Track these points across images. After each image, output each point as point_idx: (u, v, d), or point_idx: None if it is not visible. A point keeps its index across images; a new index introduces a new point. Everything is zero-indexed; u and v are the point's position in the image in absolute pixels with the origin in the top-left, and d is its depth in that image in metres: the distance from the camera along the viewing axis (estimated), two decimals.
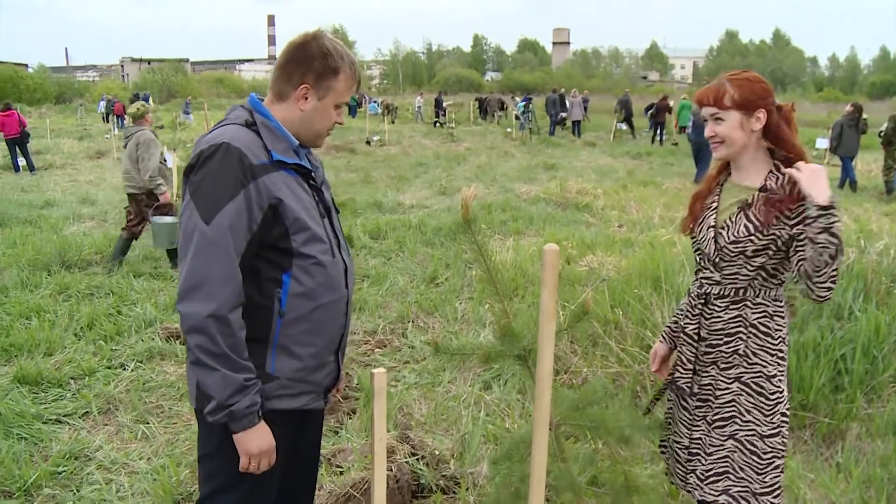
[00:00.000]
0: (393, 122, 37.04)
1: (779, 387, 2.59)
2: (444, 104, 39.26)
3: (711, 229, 2.66)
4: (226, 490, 2.28)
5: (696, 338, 2.70)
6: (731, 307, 2.60)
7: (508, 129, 30.22)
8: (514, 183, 15.71)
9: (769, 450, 2.61)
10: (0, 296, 7.24)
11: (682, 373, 2.78)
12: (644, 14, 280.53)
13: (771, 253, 2.49)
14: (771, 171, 2.54)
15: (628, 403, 4.58)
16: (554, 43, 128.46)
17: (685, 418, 2.79)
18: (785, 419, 2.62)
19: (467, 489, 3.79)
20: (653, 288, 5.89)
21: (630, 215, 11.50)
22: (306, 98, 2.27)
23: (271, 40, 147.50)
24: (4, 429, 4.51)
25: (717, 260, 2.61)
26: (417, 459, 3.87)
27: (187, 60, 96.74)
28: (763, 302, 2.56)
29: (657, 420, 3.12)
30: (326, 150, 22.61)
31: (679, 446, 2.82)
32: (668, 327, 3.00)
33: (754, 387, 2.59)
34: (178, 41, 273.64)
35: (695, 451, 2.74)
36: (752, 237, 2.51)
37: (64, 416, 4.79)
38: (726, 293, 2.60)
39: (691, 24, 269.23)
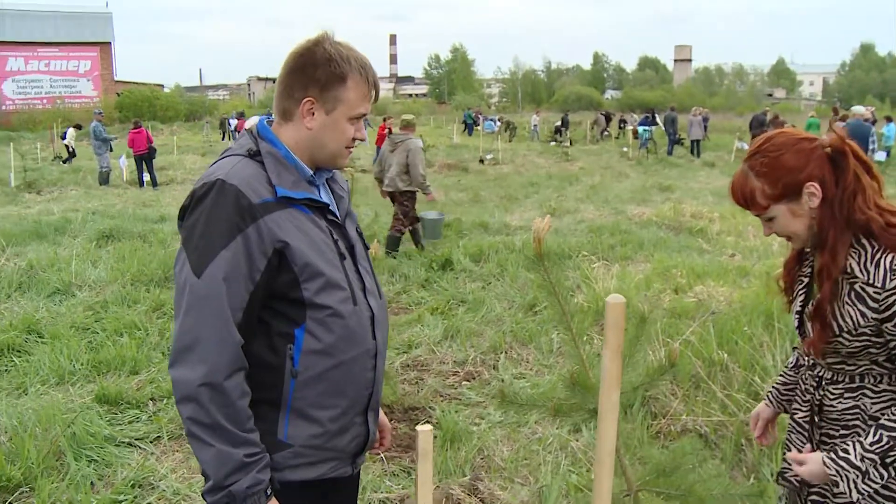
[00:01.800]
0: (511, 141, 36.91)
1: None
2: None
3: (797, 317, 2.20)
4: None
5: (807, 427, 2.23)
6: (847, 395, 2.12)
7: (624, 149, 29.44)
8: (626, 205, 15.14)
9: None
10: (101, 310, 7.35)
11: (790, 463, 2.31)
12: (770, 29, 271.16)
13: (874, 350, 2.02)
14: (852, 247, 2.01)
15: (730, 460, 4.11)
16: (675, 60, 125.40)
17: None
18: None
19: None
20: (764, 327, 5.35)
21: (747, 241, 10.77)
22: (312, 113, 1.95)
23: (393, 59, 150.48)
24: (76, 450, 4.43)
25: (811, 352, 2.16)
26: None
27: None
28: (890, 389, 2.06)
29: (755, 488, 2.70)
30: (439, 169, 22.60)
31: None
32: (776, 388, 2.53)
33: (884, 490, 2.07)
34: None
35: None
36: (840, 338, 2.03)
37: (136, 439, 4.69)
38: (839, 379, 2.13)
39: (822, 38, 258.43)
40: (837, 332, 2.02)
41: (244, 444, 1.81)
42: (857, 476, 1.97)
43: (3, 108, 54.96)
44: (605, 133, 39.34)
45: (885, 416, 2.00)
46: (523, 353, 6.34)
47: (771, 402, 2.53)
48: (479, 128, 43.52)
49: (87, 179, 20.32)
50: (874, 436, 1.97)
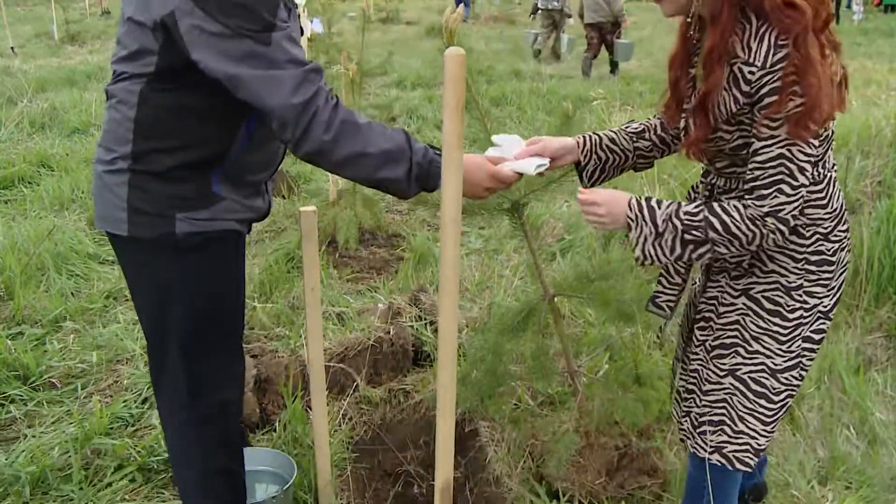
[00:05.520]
0: None
1: (804, 301, 1.87)
2: None
3: (683, 117, 1.95)
4: None
5: None
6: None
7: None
8: None
9: (782, 388, 1.93)
10: None
11: (665, 287, 2.16)
12: None
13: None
14: (740, 23, 1.72)
15: None
16: None
17: (683, 341, 2.21)
18: (810, 346, 1.93)
19: (464, 358, 3.35)
20: None
21: None
22: None
23: None
24: (59, 265, 4.56)
25: (691, 152, 1.93)
26: (425, 325, 3.53)
27: None
28: None
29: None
30: (484, 22, 21.95)
31: (680, 375, 2.22)
32: (597, 135, 2.21)
33: (766, 303, 1.89)
34: None
35: (691, 386, 2.10)
36: (719, 132, 1.82)
37: None
38: (733, 186, 1.91)
39: None
40: (714, 125, 1.81)
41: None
42: (651, 234, 1.81)
43: None
44: None
45: (724, 201, 1.81)
46: None
47: (583, 142, 2.19)
48: None
49: None
50: (696, 207, 1.80)
